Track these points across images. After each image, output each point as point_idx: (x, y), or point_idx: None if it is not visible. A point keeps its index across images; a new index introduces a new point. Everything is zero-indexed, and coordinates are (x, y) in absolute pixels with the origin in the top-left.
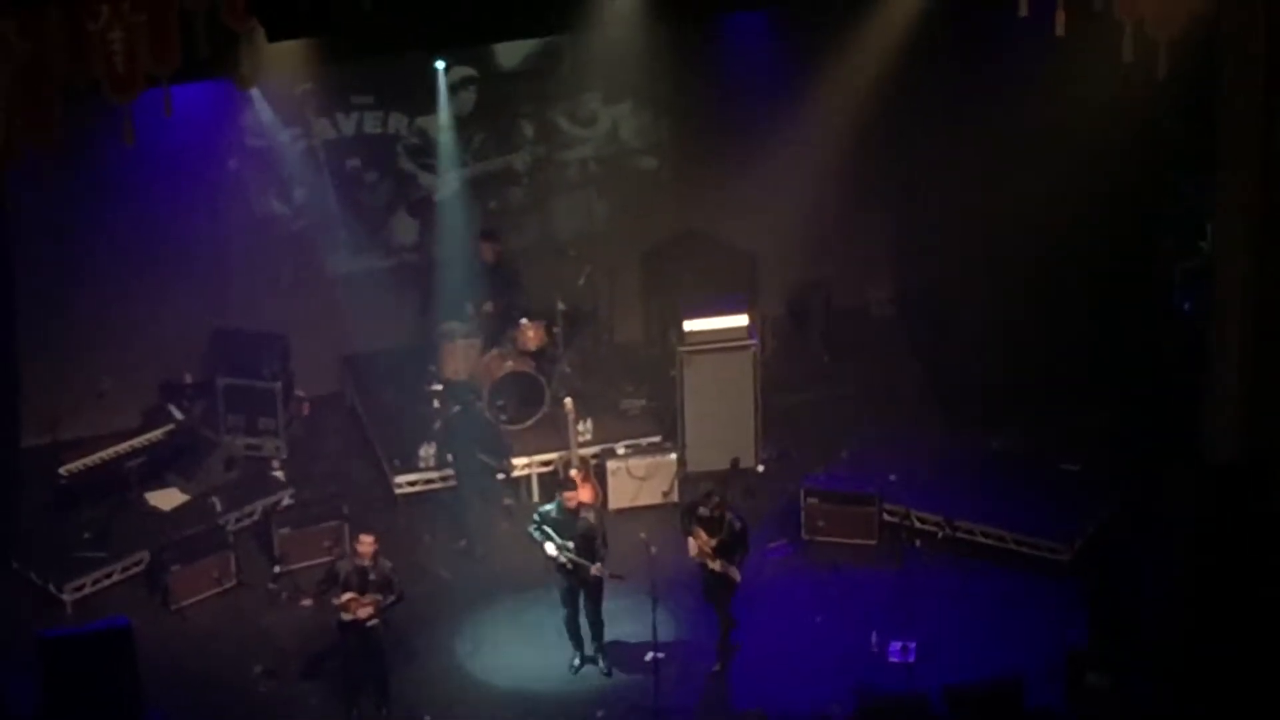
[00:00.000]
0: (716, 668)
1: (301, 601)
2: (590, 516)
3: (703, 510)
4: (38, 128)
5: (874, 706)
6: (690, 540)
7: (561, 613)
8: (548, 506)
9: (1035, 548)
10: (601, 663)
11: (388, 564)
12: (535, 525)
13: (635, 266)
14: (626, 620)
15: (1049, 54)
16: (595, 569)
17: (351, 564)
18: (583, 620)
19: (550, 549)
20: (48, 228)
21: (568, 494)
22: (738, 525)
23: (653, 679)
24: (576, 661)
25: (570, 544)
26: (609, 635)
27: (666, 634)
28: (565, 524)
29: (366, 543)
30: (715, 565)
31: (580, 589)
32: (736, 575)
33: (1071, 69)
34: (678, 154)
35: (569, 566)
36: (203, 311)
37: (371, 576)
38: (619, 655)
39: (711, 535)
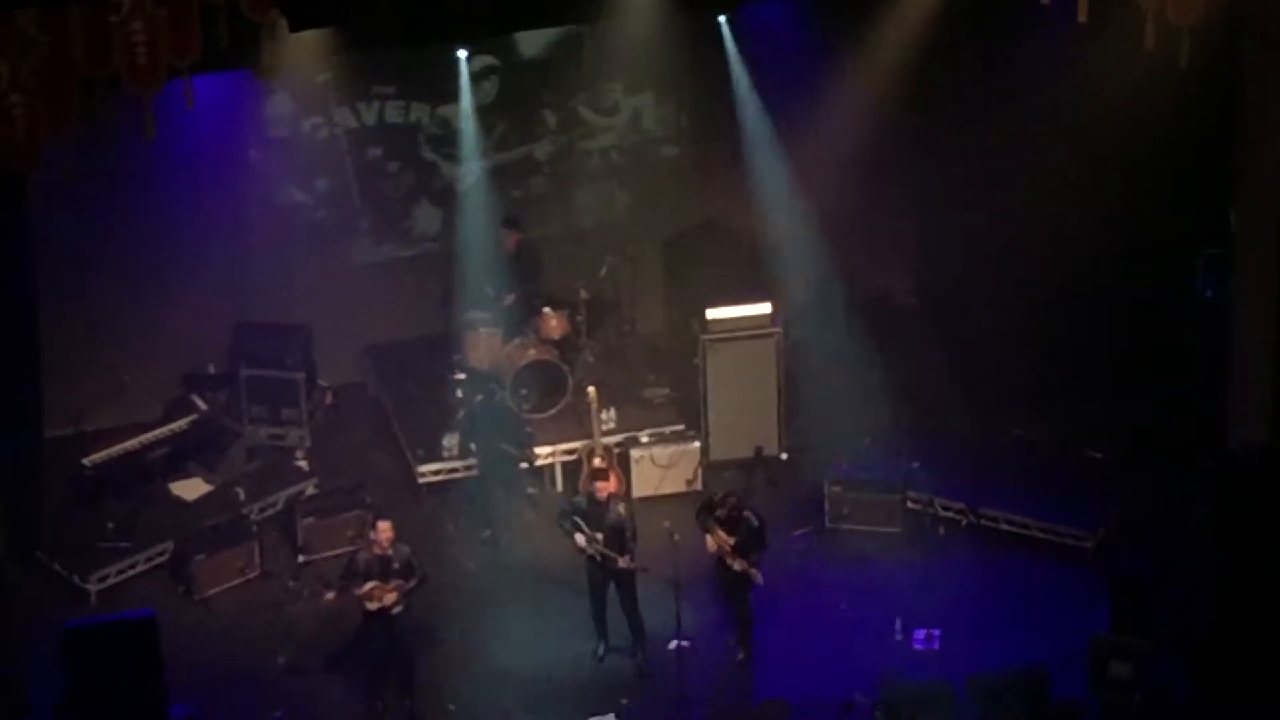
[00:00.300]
0: (740, 657)
1: (325, 596)
2: (620, 509)
3: (719, 511)
4: (59, 119)
5: (898, 695)
6: (709, 538)
7: (589, 603)
8: (578, 498)
9: (1059, 536)
10: (640, 656)
11: (406, 548)
12: (565, 516)
13: (657, 256)
14: (650, 609)
15: (1073, 44)
16: (623, 561)
17: (371, 553)
18: (615, 612)
19: (580, 540)
20: (70, 220)
21: (600, 484)
22: (755, 522)
23: (676, 667)
24: (601, 651)
25: (599, 535)
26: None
27: (690, 622)
28: (595, 516)
29: (384, 529)
30: (736, 565)
31: (610, 581)
32: (759, 578)
33: (1095, 59)
34: (699, 143)
35: (597, 559)
36: (225, 302)
37: (395, 565)
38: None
39: (730, 534)
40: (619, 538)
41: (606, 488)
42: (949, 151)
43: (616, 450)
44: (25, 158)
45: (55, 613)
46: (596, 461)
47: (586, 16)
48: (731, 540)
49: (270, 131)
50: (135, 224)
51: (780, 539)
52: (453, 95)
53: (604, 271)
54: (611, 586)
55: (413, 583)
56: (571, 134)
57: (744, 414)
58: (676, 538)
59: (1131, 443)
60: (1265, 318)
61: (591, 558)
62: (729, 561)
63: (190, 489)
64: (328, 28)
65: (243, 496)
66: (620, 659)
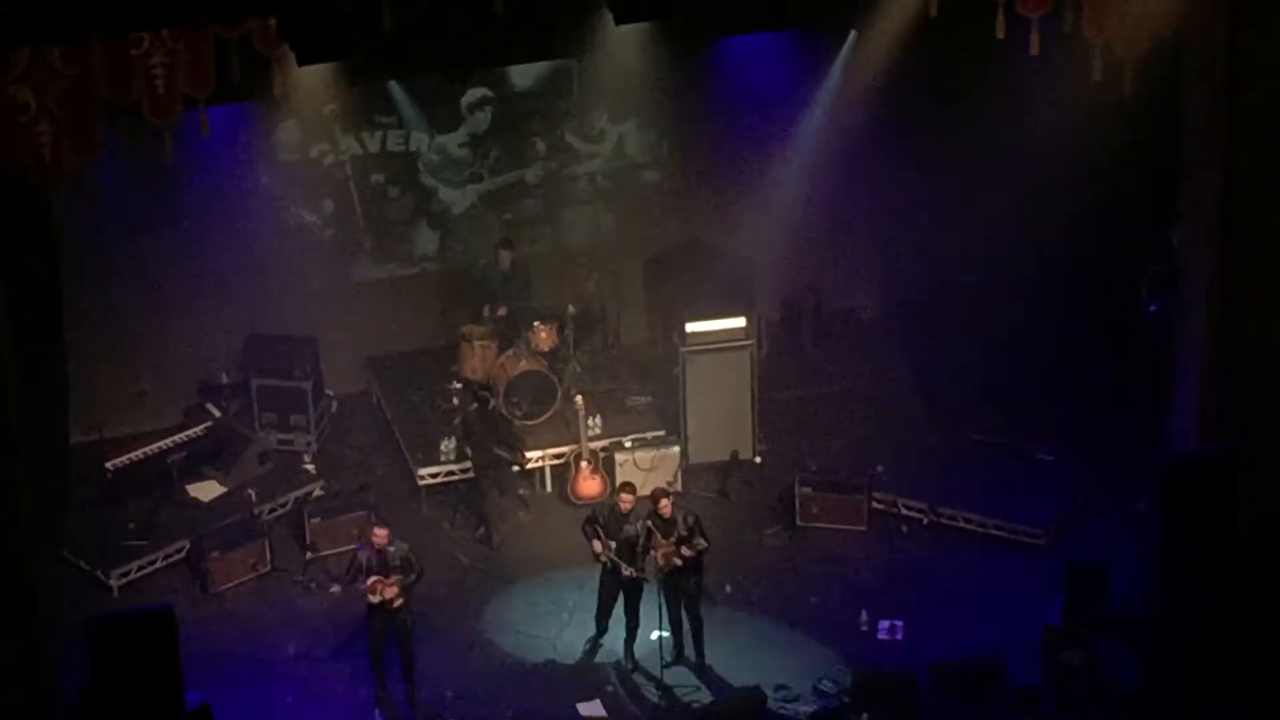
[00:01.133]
0: (693, 660)
1: (330, 589)
2: (638, 525)
3: (652, 518)
4: (82, 145)
5: (865, 681)
6: (656, 554)
7: (595, 600)
8: (601, 506)
9: (1014, 533)
10: (631, 653)
11: (404, 545)
12: (589, 523)
13: (640, 273)
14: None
15: (1026, 74)
16: (625, 572)
17: (371, 550)
18: (620, 614)
19: (596, 547)
20: (94, 242)
21: (624, 496)
22: (691, 519)
23: (659, 656)
24: (596, 638)
25: (612, 544)
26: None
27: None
28: (613, 525)
29: (380, 534)
30: (685, 551)
31: (620, 588)
32: (704, 542)
33: (1046, 88)
34: (680, 169)
35: (608, 565)
36: (238, 316)
37: (394, 561)
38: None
39: (666, 536)
40: (629, 550)
41: (630, 500)
42: (912, 175)
43: (602, 454)
44: (51, 179)
45: (80, 605)
46: (583, 465)
47: (575, 51)
48: (671, 542)
49: (280, 157)
50: (154, 243)
51: (752, 536)
52: (450, 125)
53: (590, 288)
54: (620, 593)
55: (411, 577)
56: (560, 160)
57: (721, 420)
58: (659, 535)
59: (1081, 445)
60: (1204, 330)
61: (604, 564)
62: (676, 560)
63: (205, 490)
64: (334, 62)
65: (254, 498)
66: (605, 648)
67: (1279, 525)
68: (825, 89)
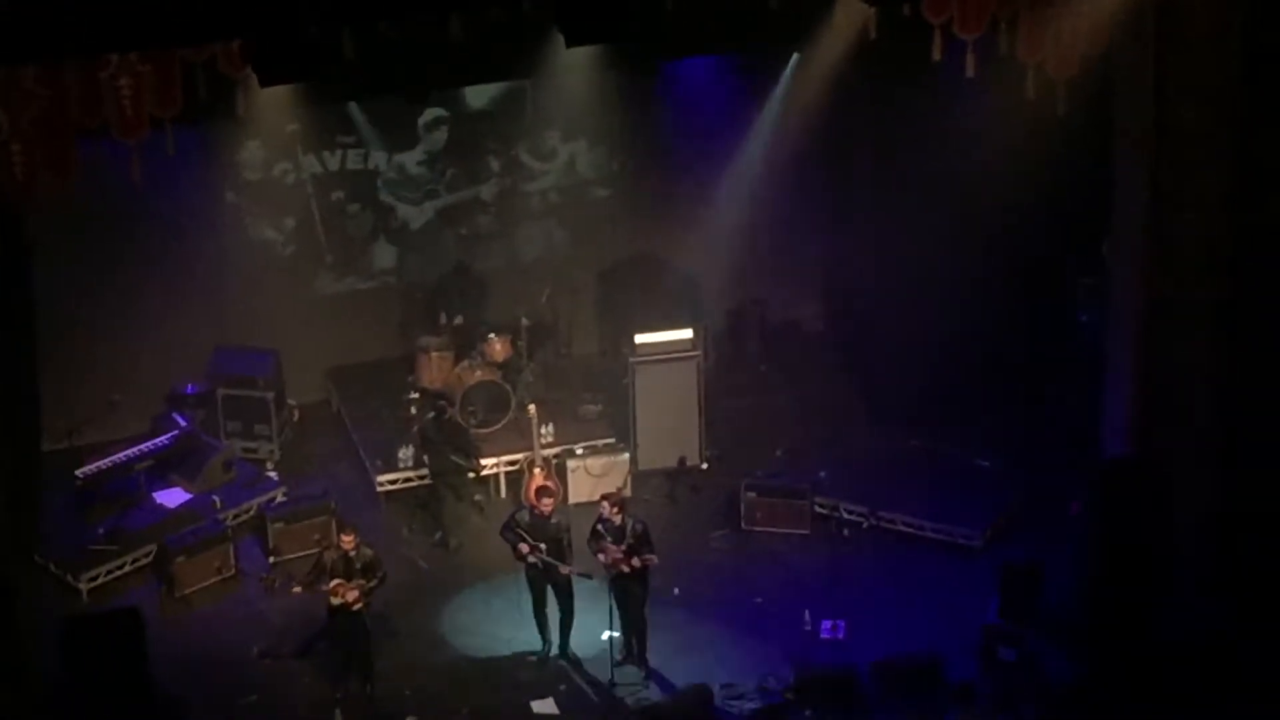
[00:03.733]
0: (641, 672)
1: (292, 589)
2: (560, 520)
3: (606, 517)
4: (56, 165)
5: (809, 678)
6: (601, 556)
7: (529, 607)
8: (520, 512)
9: (951, 536)
10: (567, 651)
11: (369, 551)
12: (509, 529)
13: (592, 286)
14: (585, 605)
15: (963, 95)
16: (564, 569)
17: (337, 553)
18: (551, 613)
19: (523, 550)
20: (65, 257)
21: (545, 501)
22: (639, 528)
23: (608, 657)
24: (544, 650)
25: (542, 546)
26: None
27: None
28: (538, 528)
29: (348, 539)
30: (634, 563)
31: (550, 587)
32: (653, 558)
33: (982, 108)
34: (629, 185)
35: (540, 566)
36: (204, 328)
37: (358, 565)
38: (577, 637)
39: (617, 542)
40: (558, 547)
41: (550, 504)
42: (853, 191)
43: (554, 461)
44: (25, 198)
45: (52, 608)
46: (543, 481)
47: (528, 73)
48: (621, 548)
49: (244, 175)
50: (124, 258)
51: (700, 539)
52: (407, 143)
53: (543, 300)
54: (550, 590)
55: (373, 583)
56: (514, 177)
57: (669, 428)
58: (610, 541)
59: (1016, 451)
60: (1132, 339)
61: (534, 566)
62: (624, 568)
63: (172, 497)
64: (295, 84)
65: (219, 504)
66: (558, 652)
67: (1205, 525)
68: (769, 109)
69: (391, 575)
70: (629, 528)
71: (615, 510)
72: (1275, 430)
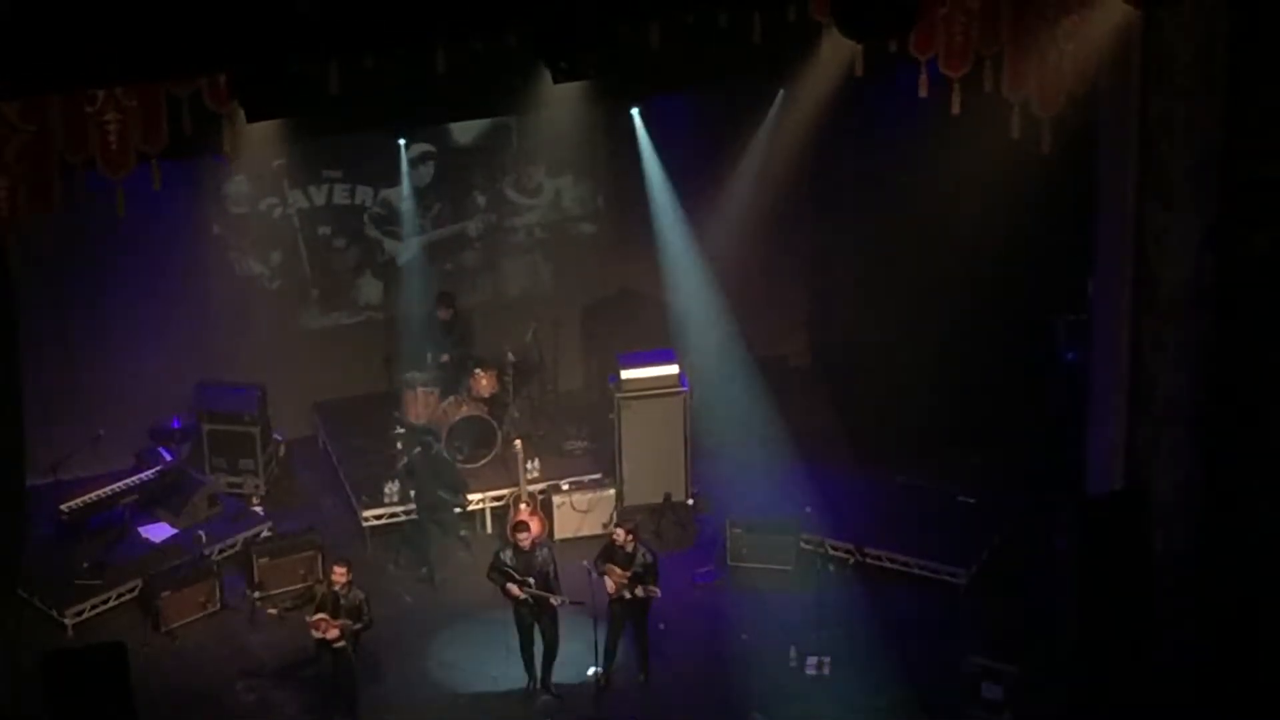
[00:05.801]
0: (640, 678)
1: (267, 610)
2: (544, 552)
3: (618, 544)
4: (40, 199)
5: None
6: (607, 579)
7: (516, 643)
8: (504, 551)
9: (936, 572)
10: (549, 683)
11: (360, 594)
12: (494, 570)
13: (577, 321)
14: (570, 638)
15: (947, 131)
16: (555, 600)
17: (328, 588)
18: (536, 644)
19: (513, 589)
20: (50, 292)
21: (521, 536)
22: (649, 558)
23: (595, 691)
24: (529, 687)
25: (530, 581)
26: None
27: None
28: (524, 563)
29: (339, 574)
30: (638, 592)
31: (537, 621)
32: (656, 591)
33: (967, 145)
34: (614, 221)
35: (530, 601)
36: (189, 363)
37: (343, 603)
38: (564, 670)
39: (626, 567)
40: (546, 580)
41: (529, 538)
42: (838, 226)
43: (540, 497)
44: (8, 232)
45: (35, 643)
46: (521, 516)
47: (513, 109)
48: (627, 574)
49: (230, 209)
50: (109, 293)
51: (685, 575)
52: (394, 179)
53: (529, 336)
54: (536, 626)
55: (358, 626)
56: (500, 212)
57: (654, 464)
58: (595, 575)
59: (1000, 488)
60: (1116, 376)
61: (524, 602)
62: (626, 594)
63: (157, 532)
64: (282, 118)
65: (204, 539)
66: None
67: (1188, 559)
68: (754, 145)
69: (377, 610)
70: (639, 557)
71: (629, 537)
72: (1258, 465)
